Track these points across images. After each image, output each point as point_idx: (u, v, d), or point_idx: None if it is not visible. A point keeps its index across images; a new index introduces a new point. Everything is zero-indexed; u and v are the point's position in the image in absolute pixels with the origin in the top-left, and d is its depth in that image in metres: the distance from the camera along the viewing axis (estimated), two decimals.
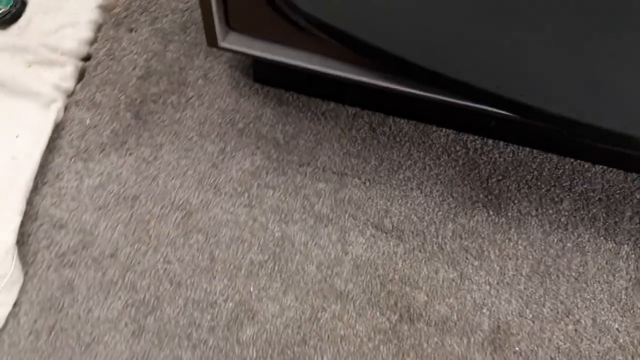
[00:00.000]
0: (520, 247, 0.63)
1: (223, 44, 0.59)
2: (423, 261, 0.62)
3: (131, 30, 0.68)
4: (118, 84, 0.65)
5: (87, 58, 0.69)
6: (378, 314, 0.58)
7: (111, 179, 0.60)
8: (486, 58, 0.53)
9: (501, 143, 0.68)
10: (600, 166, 0.68)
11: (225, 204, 0.60)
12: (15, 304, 0.56)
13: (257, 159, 0.63)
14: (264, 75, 0.68)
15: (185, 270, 0.57)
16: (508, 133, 0.68)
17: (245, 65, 0.68)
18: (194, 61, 0.67)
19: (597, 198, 0.67)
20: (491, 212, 0.64)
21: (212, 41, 0.59)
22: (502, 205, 0.65)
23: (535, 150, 0.68)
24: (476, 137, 0.68)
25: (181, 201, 0.60)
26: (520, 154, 0.68)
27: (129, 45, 0.67)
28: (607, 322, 0.61)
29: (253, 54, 0.62)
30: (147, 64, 0.66)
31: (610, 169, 0.69)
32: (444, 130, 0.68)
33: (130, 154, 0.61)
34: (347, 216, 0.62)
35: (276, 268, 0.58)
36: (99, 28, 0.70)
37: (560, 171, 0.68)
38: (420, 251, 0.62)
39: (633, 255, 0.65)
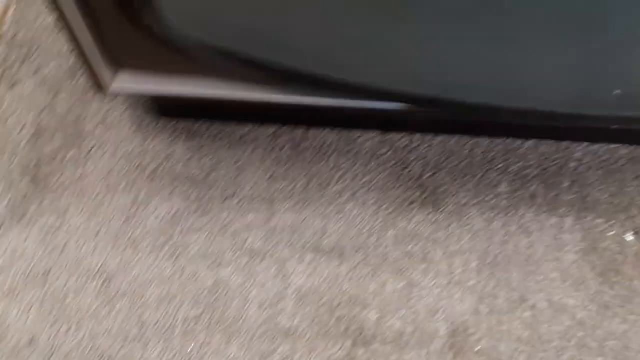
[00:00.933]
0: (464, 240, 0.61)
1: (113, 87, 0.54)
2: (369, 276, 0.58)
3: (12, 85, 0.62)
4: (7, 149, 0.59)
5: None
6: (331, 344, 0.54)
7: (15, 257, 0.54)
8: (377, 57, 0.49)
9: (428, 135, 0.65)
10: (532, 140, 0.67)
11: (146, 260, 0.55)
12: None
13: (174, 202, 0.58)
14: (168, 108, 0.62)
15: (115, 343, 0.52)
16: (432, 124, 0.66)
17: (147, 101, 0.63)
18: (90, 107, 0.61)
19: (533, 174, 0.65)
20: (429, 210, 0.62)
21: (99, 86, 0.54)
22: (439, 201, 0.62)
23: (464, 137, 0.66)
24: (402, 134, 0.65)
25: (98, 266, 0.55)
26: (449, 143, 0.65)
27: (13, 103, 0.61)
28: (562, 300, 0.60)
29: (149, 92, 0.57)
30: (37, 120, 0.60)
31: (542, 141, 0.67)
32: (368, 133, 0.65)
33: (33, 225, 0.55)
34: (282, 245, 0.58)
35: (214, 319, 0.53)
36: None
37: (493, 153, 0.66)
38: (364, 266, 0.59)
39: (577, 226, 0.64)
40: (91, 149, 0.60)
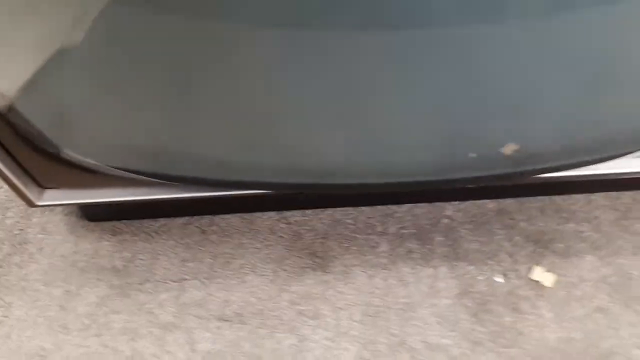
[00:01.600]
0: (349, 296, 0.71)
1: (39, 202, 0.67)
2: (266, 336, 0.68)
3: None
4: None
5: None
6: None
7: None
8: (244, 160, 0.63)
9: (318, 210, 0.77)
10: (407, 205, 0.78)
11: (76, 340, 0.65)
12: None
13: (100, 290, 0.69)
14: (94, 214, 0.75)
15: None
16: (320, 200, 0.77)
17: (75, 210, 0.76)
18: (32, 219, 0.74)
19: (409, 233, 0.76)
20: (319, 273, 0.72)
21: (29, 203, 0.67)
22: (328, 265, 0.73)
23: (348, 208, 0.77)
24: (295, 211, 0.77)
25: (35, 349, 0.65)
26: (336, 214, 0.77)
27: None
28: (438, 340, 0.68)
29: (72, 203, 0.70)
30: None
31: (417, 204, 0.78)
32: (266, 213, 0.76)
33: None
34: (191, 317, 0.68)
35: None
36: None
37: (374, 219, 0.77)
38: (262, 328, 0.68)
39: (451, 274, 0.73)
40: (33, 254, 0.72)
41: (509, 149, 0.65)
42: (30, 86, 0.55)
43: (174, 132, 0.64)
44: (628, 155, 0.71)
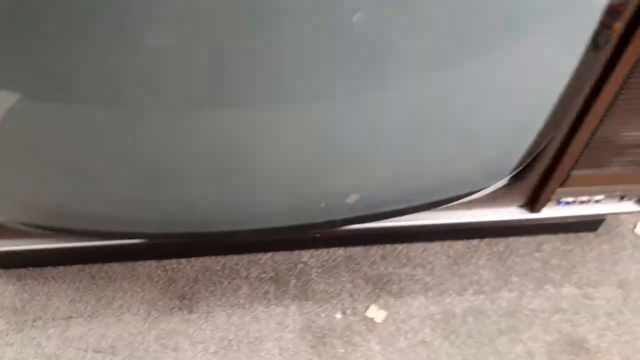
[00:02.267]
0: (207, 332, 0.83)
1: None
2: None
3: None
4: None
5: None
6: None
7: None
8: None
9: (191, 258, 0.90)
10: (269, 253, 0.91)
11: None
12: None
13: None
14: (2, 262, 0.89)
15: None
16: (191, 249, 0.91)
17: None
18: None
19: (268, 277, 0.89)
20: (185, 313, 0.85)
21: None
22: (194, 305, 0.86)
23: (218, 256, 0.91)
24: (171, 259, 0.90)
25: None
26: (207, 262, 0.90)
27: None
28: None
29: None
30: None
31: (277, 252, 0.91)
32: (147, 262, 0.90)
33: None
34: (71, 349, 0.81)
35: None
36: None
37: (239, 266, 0.90)
38: (130, 358, 0.81)
39: (298, 311, 0.86)
40: None
41: (352, 199, 0.79)
42: None
43: (66, 194, 0.79)
44: (458, 208, 0.85)
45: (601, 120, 0.69)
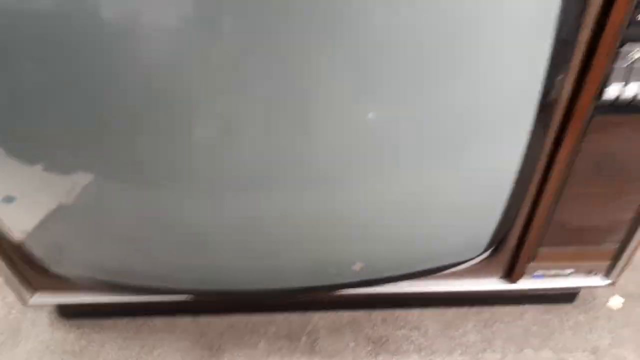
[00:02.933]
0: None
1: (30, 302, 1.00)
2: None
3: None
4: None
5: None
6: None
7: None
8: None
9: (221, 315, 1.06)
10: (285, 313, 1.05)
11: None
12: None
13: None
14: (66, 313, 1.07)
15: None
16: (222, 307, 1.07)
17: (57, 309, 1.08)
18: (27, 314, 1.07)
19: (283, 334, 1.03)
20: None
21: (24, 302, 1.00)
22: (220, 356, 1.00)
23: (243, 314, 1.06)
24: (204, 316, 1.06)
25: None
26: (233, 319, 1.06)
27: None
28: None
29: (52, 303, 1.03)
30: None
31: (292, 312, 1.06)
32: (183, 317, 1.06)
33: None
34: None
35: None
36: None
37: (259, 323, 1.05)
38: None
39: None
40: (22, 339, 1.03)
41: (357, 266, 0.95)
42: (35, 232, 0.90)
43: (122, 256, 0.97)
44: (447, 278, 0.98)
45: (554, 205, 0.84)
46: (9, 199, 0.84)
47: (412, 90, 0.70)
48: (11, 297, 1.09)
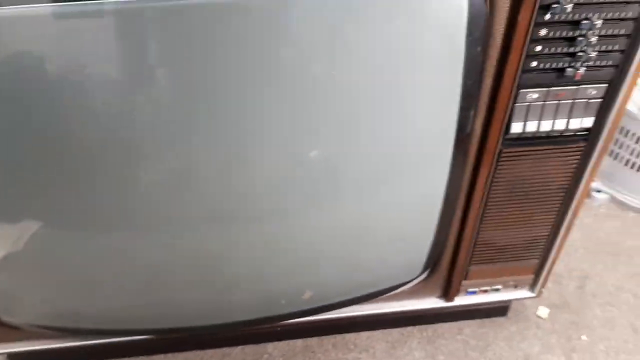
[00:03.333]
0: None
1: None
2: None
3: None
4: None
5: None
6: None
7: None
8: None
9: (176, 353, 1.08)
10: (240, 346, 1.09)
11: None
12: None
13: None
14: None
15: None
16: (176, 345, 1.09)
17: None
18: None
19: None
20: None
21: None
22: None
23: (197, 351, 1.08)
24: (160, 354, 1.07)
25: None
26: (189, 355, 1.08)
27: None
28: None
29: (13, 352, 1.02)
30: None
31: (246, 345, 1.09)
32: (138, 357, 1.07)
33: None
34: None
35: None
36: None
37: (214, 357, 1.07)
38: None
39: None
40: None
41: (307, 295, 1.00)
42: None
43: (72, 300, 0.98)
44: (390, 300, 1.05)
45: (478, 226, 0.93)
46: None
47: (348, 132, 0.78)
48: None
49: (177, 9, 0.64)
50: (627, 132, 1.29)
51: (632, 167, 1.33)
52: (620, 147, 1.33)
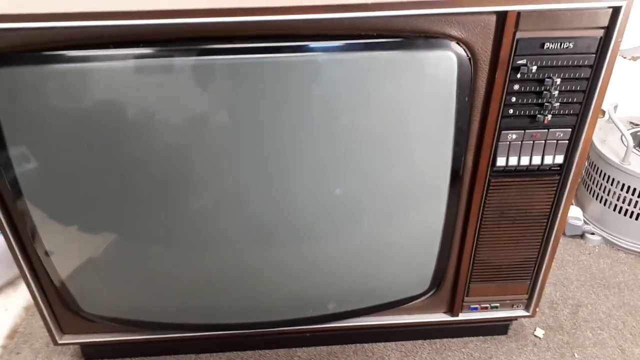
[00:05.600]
0: None
1: (61, 341, 1.16)
2: None
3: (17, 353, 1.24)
4: None
5: None
6: None
7: None
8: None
9: (220, 353, 1.22)
10: (274, 349, 1.23)
11: None
12: None
13: None
14: (90, 353, 1.22)
15: None
16: (221, 346, 1.24)
17: (80, 351, 1.23)
18: (52, 358, 1.21)
19: None
20: None
21: (54, 341, 1.16)
22: None
23: (238, 352, 1.23)
24: (206, 354, 1.22)
25: None
26: (231, 356, 1.22)
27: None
28: None
29: (80, 342, 1.19)
30: None
31: (279, 349, 1.23)
32: (187, 355, 1.22)
33: None
34: None
35: None
36: None
37: (252, 358, 1.21)
38: None
39: None
40: None
41: (331, 306, 1.15)
42: (68, 280, 1.09)
43: (141, 301, 1.16)
44: (402, 314, 1.19)
45: (475, 247, 1.08)
46: (49, 253, 1.04)
47: (366, 173, 0.96)
48: (37, 343, 1.25)
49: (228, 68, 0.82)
50: (613, 180, 1.44)
51: (619, 212, 1.46)
52: (609, 194, 1.47)
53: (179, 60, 0.81)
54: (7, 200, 0.94)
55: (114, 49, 0.80)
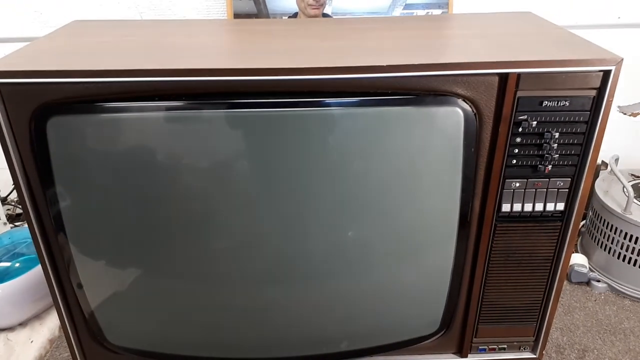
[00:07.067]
0: None
1: None
2: None
3: None
4: None
5: None
6: None
7: None
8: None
9: None
10: None
11: None
12: None
13: None
14: None
15: None
16: None
17: None
18: None
19: None
20: None
21: None
22: None
23: None
24: None
25: None
26: None
27: None
28: None
29: None
30: None
31: None
32: None
33: None
34: None
35: None
36: None
37: None
38: None
39: None
40: None
41: (344, 345, 1.18)
42: (98, 311, 1.14)
43: (163, 333, 1.20)
44: (412, 354, 1.21)
45: (483, 289, 1.11)
46: (79, 286, 1.10)
47: (377, 217, 1.01)
48: None
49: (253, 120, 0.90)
50: (616, 229, 1.48)
51: (623, 260, 1.49)
52: (612, 242, 1.51)
53: (210, 113, 0.90)
54: (50, 233, 1.01)
55: (156, 102, 0.89)
